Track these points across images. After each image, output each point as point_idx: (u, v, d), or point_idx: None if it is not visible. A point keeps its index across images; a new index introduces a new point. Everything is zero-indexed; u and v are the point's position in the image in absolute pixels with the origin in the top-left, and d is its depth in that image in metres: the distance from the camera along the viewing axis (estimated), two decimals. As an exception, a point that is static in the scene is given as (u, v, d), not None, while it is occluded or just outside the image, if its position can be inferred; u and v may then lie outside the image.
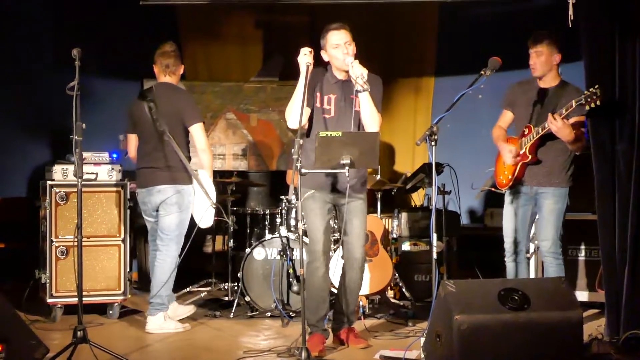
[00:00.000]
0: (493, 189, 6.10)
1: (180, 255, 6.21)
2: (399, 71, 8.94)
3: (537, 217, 5.97)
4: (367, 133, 5.42)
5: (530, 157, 5.81)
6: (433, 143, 5.14)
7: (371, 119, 5.44)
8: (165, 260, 6.14)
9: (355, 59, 5.38)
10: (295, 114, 5.30)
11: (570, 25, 5.22)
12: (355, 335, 5.67)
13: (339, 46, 5.43)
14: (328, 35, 5.48)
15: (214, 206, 6.10)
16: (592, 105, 5.37)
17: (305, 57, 5.34)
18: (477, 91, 5.50)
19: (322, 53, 5.54)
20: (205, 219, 6.14)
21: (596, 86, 5.34)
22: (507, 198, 5.99)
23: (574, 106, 5.49)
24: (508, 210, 5.98)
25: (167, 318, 6.12)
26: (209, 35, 8.99)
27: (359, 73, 5.30)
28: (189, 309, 6.50)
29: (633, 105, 5.25)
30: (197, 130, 6.14)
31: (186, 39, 8.95)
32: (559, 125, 5.55)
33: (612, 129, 5.35)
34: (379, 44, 8.94)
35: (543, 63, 5.83)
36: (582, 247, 6.78)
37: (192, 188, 6.17)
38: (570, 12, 5.24)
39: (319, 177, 5.42)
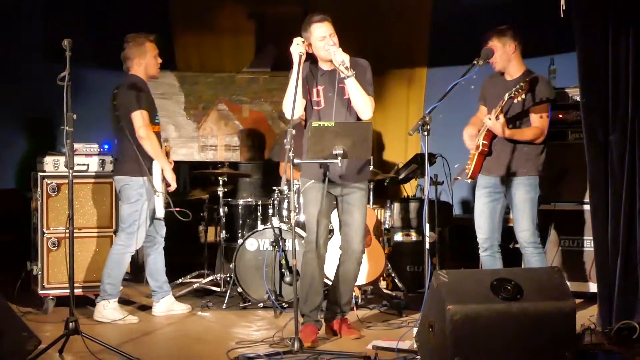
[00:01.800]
0: (459, 178, 6.11)
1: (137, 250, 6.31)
2: (392, 62, 8.93)
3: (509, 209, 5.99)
4: (359, 123, 5.42)
5: (481, 147, 5.81)
6: (425, 133, 5.15)
7: (362, 103, 5.43)
8: (113, 248, 6.20)
9: (347, 55, 5.38)
10: (290, 104, 5.30)
11: (562, 15, 5.21)
12: (348, 325, 5.68)
13: (324, 38, 5.44)
14: (311, 28, 5.48)
15: (157, 195, 6.08)
16: (519, 98, 5.55)
17: (298, 47, 5.33)
18: (469, 82, 5.50)
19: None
20: (157, 208, 6.15)
21: (524, 80, 5.52)
22: (477, 192, 5.98)
23: (505, 99, 5.55)
24: (478, 204, 5.97)
25: (107, 307, 6.10)
26: (201, 25, 8.96)
27: (340, 60, 5.32)
28: (184, 307, 6.49)
29: (626, 95, 5.25)
30: (134, 118, 6.09)
31: (178, 30, 8.93)
32: (489, 124, 5.62)
33: (605, 119, 5.34)
34: (372, 34, 8.93)
35: (500, 57, 5.81)
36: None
37: (144, 180, 6.12)
38: (562, 1, 5.23)
39: (315, 168, 5.42)
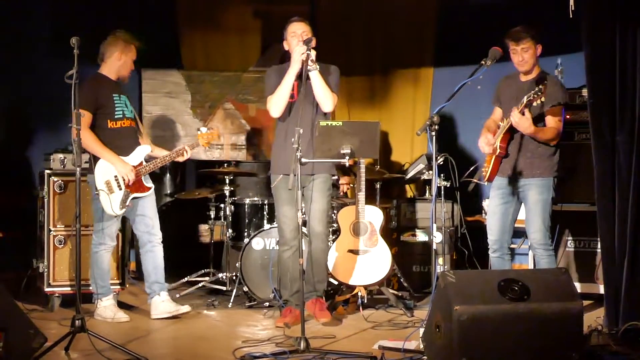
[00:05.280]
0: (477, 181, 6.10)
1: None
2: (398, 61, 8.90)
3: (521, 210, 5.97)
4: (367, 123, 5.58)
5: (499, 150, 5.80)
6: (433, 133, 5.15)
7: (323, 95, 5.84)
8: (91, 248, 6.22)
9: (314, 50, 5.78)
10: (278, 102, 5.81)
11: (571, 16, 5.21)
12: (321, 307, 5.96)
13: (294, 34, 5.87)
14: (288, 25, 5.93)
15: (96, 194, 6.02)
16: (538, 101, 5.50)
17: (301, 48, 5.68)
18: (476, 82, 5.48)
19: (284, 43, 5.98)
20: (104, 207, 6.06)
21: (543, 84, 5.49)
22: (491, 192, 5.99)
23: (524, 102, 5.51)
24: (491, 205, 5.97)
25: (100, 305, 6.16)
26: (207, 24, 8.95)
27: (302, 53, 5.70)
28: (175, 308, 6.25)
29: (633, 96, 5.25)
30: None
31: (185, 29, 8.92)
32: (515, 120, 5.57)
33: (612, 119, 5.34)
34: (378, 34, 8.91)
35: (531, 56, 5.79)
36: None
37: (94, 177, 6.04)
38: (571, 2, 5.23)
39: (288, 162, 5.45)
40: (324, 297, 6.15)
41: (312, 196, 6.01)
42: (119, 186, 6.07)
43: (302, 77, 5.73)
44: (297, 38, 5.84)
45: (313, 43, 5.79)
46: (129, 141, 6.23)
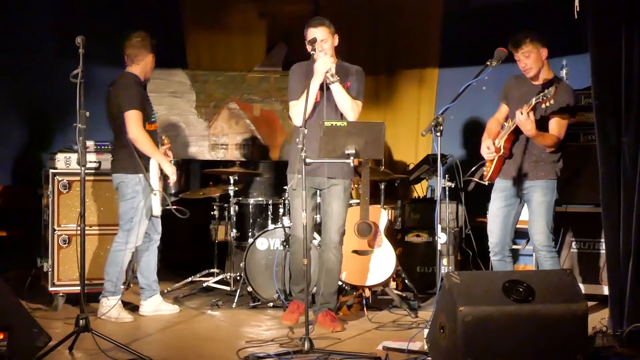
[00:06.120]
0: (478, 180, 6.08)
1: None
2: (403, 62, 8.91)
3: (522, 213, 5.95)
4: (372, 123, 5.53)
5: (502, 151, 5.77)
6: (438, 134, 5.13)
7: (346, 106, 5.76)
8: (112, 246, 6.19)
9: (334, 51, 5.82)
10: (303, 115, 5.44)
11: (576, 17, 5.19)
12: (332, 318, 5.86)
13: (315, 41, 5.75)
14: (307, 31, 5.80)
15: (154, 193, 6.04)
16: (547, 104, 5.45)
17: (323, 61, 5.64)
18: (481, 83, 5.49)
19: (307, 45, 5.83)
20: (153, 207, 6.11)
21: (552, 87, 5.42)
22: (493, 194, 5.95)
23: (532, 103, 5.48)
24: (493, 207, 5.94)
25: (106, 304, 6.11)
26: (212, 24, 8.96)
27: (322, 69, 5.63)
28: (172, 308, 6.45)
29: (639, 97, 5.23)
30: (126, 118, 6.01)
31: (189, 28, 8.93)
32: (521, 119, 5.51)
33: (617, 121, 5.32)
34: (383, 34, 8.92)
35: (535, 61, 5.72)
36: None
37: (139, 177, 6.06)
38: (577, 2, 5.22)
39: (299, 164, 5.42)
40: (335, 309, 6.07)
41: (332, 204, 5.90)
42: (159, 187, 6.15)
43: (323, 87, 5.71)
44: (317, 47, 5.73)
45: (329, 44, 5.79)
46: (156, 143, 6.25)
